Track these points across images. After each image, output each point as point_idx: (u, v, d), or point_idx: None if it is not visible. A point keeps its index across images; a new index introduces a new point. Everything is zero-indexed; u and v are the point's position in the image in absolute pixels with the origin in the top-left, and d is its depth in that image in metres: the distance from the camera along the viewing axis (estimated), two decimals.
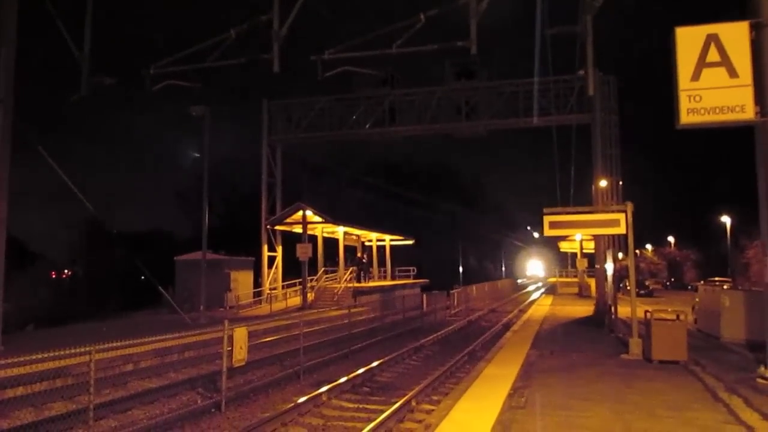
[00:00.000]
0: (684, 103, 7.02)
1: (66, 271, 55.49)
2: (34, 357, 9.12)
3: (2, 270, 16.51)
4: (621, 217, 13.84)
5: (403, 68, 31.63)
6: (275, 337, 19.23)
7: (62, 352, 8.74)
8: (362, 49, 19.65)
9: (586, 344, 15.47)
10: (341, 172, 40.95)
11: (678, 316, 12.51)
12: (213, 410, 10.52)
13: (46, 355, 8.80)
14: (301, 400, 10.69)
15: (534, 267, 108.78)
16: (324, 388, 11.60)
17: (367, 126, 32.78)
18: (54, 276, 52.87)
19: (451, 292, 36.08)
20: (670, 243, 74.92)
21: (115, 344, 9.99)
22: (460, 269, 74.03)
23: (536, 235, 72.03)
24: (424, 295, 30.01)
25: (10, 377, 10.87)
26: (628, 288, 17.57)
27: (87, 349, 8.24)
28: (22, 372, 11.14)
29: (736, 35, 7.33)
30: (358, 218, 38.87)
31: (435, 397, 11.47)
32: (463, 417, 8.03)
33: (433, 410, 9.31)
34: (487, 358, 13.31)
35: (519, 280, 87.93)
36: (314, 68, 20.04)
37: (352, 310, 19.26)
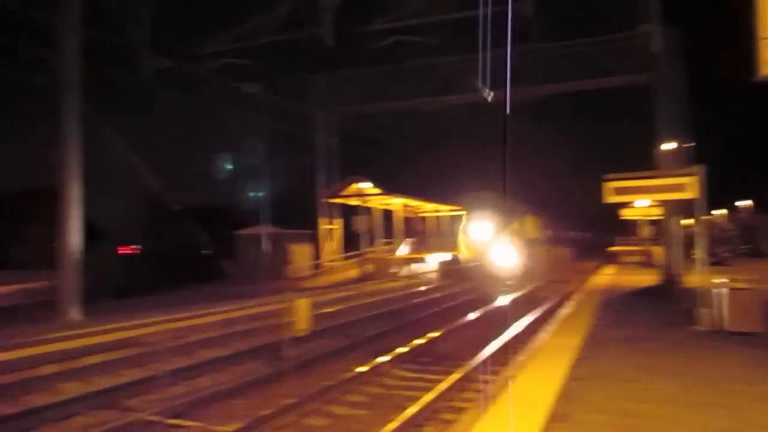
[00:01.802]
0: (764, 54, 6.41)
1: (133, 246, 58.09)
2: (114, 326, 9.67)
3: (81, 246, 17.47)
4: (691, 180, 13.14)
5: (455, 35, 30.79)
6: (335, 308, 19.56)
7: (137, 322, 9.21)
8: (413, 17, 19.34)
9: (652, 315, 14.95)
10: (397, 143, 40.87)
11: (754, 286, 11.86)
12: (276, 378, 10.83)
13: (124, 324, 9.27)
14: (362, 369, 10.85)
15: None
16: (384, 358, 11.72)
17: (421, 96, 32.36)
18: (122, 252, 55.40)
19: None
20: (744, 207, 70.81)
21: (183, 314, 10.40)
22: None
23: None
24: None
25: (90, 346, 11.53)
26: (697, 256, 16.80)
27: (159, 319, 8.63)
28: (101, 341, 11.85)
29: None
30: (415, 189, 38.69)
31: (495, 368, 11.39)
32: (525, 387, 7.93)
33: (494, 381, 9.24)
34: (548, 328, 13.10)
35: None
36: (367, 40, 19.93)
37: (411, 281, 19.31)
